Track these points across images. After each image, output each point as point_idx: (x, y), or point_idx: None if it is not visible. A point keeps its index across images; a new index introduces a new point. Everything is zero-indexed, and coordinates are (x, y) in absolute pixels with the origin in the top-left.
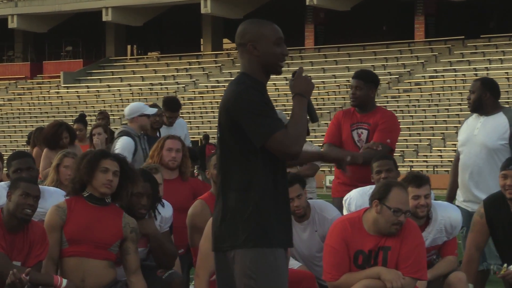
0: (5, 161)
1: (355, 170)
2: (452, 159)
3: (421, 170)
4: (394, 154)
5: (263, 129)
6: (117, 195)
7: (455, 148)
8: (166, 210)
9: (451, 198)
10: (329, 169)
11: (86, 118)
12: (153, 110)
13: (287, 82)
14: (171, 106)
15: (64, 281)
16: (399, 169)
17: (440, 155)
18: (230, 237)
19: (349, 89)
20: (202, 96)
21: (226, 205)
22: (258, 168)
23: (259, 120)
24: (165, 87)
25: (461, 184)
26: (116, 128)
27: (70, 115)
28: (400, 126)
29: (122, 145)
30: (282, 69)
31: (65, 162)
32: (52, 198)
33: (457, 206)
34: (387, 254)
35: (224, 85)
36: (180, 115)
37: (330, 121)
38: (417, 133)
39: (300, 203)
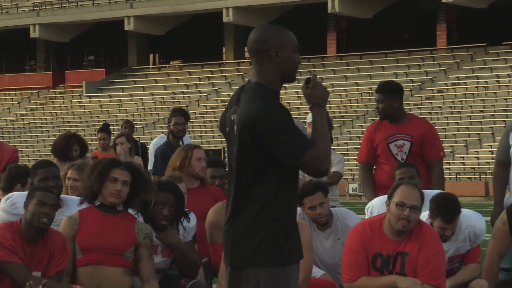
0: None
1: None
2: (475, 166)
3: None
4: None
5: (295, 148)
6: (129, 203)
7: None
8: (190, 221)
9: (501, 201)
10: (352, 177)
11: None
12: None
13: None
14: (185, 115)
15: None
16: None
17: (463, 162)
18: (246, 253)
19: (371, 97)
20: (224, 105)
21: (243, 220)
22: (278, 184)
23: (289, 139)
24: (188, 96)
25: None
26: (139, 138)
27: (92, 125)
28: None
29: None
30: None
31: (69, 174)
32: (75, 206)
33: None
34: (405, 259)
35: None
36: (203, 124)
37: (352, 128)
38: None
39: (322, 211)
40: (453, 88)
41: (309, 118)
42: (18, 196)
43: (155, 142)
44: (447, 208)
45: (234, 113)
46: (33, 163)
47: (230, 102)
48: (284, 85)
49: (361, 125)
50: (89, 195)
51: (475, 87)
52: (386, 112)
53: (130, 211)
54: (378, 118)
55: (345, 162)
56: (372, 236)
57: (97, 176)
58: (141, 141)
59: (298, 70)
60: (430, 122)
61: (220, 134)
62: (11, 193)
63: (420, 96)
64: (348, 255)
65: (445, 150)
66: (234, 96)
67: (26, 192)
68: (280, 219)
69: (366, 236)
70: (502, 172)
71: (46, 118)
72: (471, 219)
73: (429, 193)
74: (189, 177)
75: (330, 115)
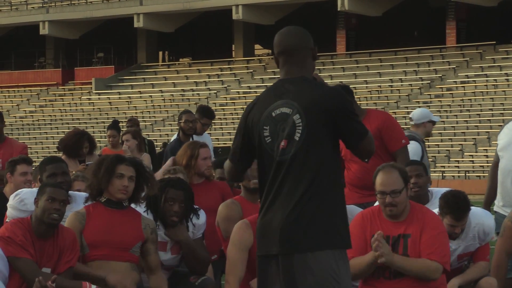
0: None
1: (364, 178)
2: (484, 164)
3: (453, 176)
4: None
5: (362, 129)
6: (133, 197)
7: (487, 154)
8: (199, 217)
9: (489, 203)
10: None
11: (119, 124)
12: (438, 118)
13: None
14: (209, 114)
15: (94, 287)
16: (430, 174)
17: (472, 161)
18: (315, 237)
19: (380, 95)
20: (233, 102)
21: (312, 205)
22: (338, 170)
23: (357, 119)
24: (197, 93)
25: (503, 189)
26: (148, 135)
27: (101, 122)
28: (432, 132)
29: (411, 150)
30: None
31: (75, 186)
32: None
33: (495, 211)
34: (408, 241)
35: (256, 91)
36: (212, 121)
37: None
38: (449, 139)
39: None
40: (462, 86)
41: None
42: (27, 193)
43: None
44: (457, 206)
45: (283, 106)
46: (42, 159)
47: (264, 101)
48: None
49: None
50: (95, 193)
51: (484, 85)
52: None
53: (139, 209)
54: None
55: None
56: (372, 220)
57: (104, 173)
58: (149, 138)
59: None
60: (440, 120)
61: (229, 131)
62: (19, 190)
63: (430, 94)
64: None
65: (454, 149)
66: (271, 94)
67: (34, 189)
68: (344, 204)
69: (366, 220)
70: (495, 172)
71: (55, 115)
72: (481, 217)
73: (437, 191)
74: (194, 175)
75: None
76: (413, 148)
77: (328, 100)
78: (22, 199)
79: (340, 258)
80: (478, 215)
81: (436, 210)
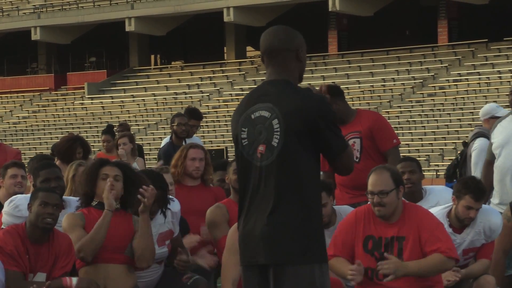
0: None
1: (355, 178)
2: None
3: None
4: (419, 158)
5: (341, 142)
6: (127, 202)
7: None
8: (174, 205)
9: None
10: None
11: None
12: (505, 112)
13: None
14: (196, 115)
15: (74, 279)
16: (424, 173)
17: None
18: (291, 251)
19: (373, 94)
20: (226, 105)
21: (285, 216)
22: (317, 179)
23: (338, 132)
24: (189, 96)
25: (501, 187)
26: (141, 139)
27: (95, 126)
28: (425, 131)
29: (479, 146)
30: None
31: (80, 171)
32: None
33: None
34: (402, 244)
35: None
36: (205, 124)
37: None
38: (442, 137)
39: (325, 212)
40: (455, 85)
41: None
42: (21, 199)
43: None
44: (476, 185)
45: (262, 109)
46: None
47: (246, 103)
48: None
49: None
50: (85, 199)
51: (477, 83)
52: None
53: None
54: None
55: None
56: (365, 219)
57: (88, 177)
58: (139, 143)
59: None
60: (433, 118)
61: (223, 134)
62: (14, 196)
63: (422, 93)
64: (334, 235)
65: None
66: (253, 96)
67: (29, 195)
68: (319, 217)
69: (359, 219)
70: (488, 170)
71: (48, 120)
72: (488, 214)
73: (431, 188)
74: (184, 176)
75: None
76: (481, 145)
77: (310, 108)
78: (17, 205)
79: (320, 271)
80: (485, 212)
81: (431, 208)
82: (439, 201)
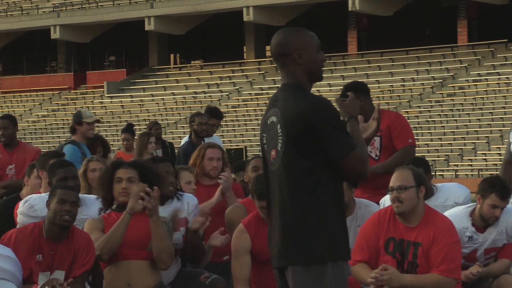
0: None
1: (374, 177)
2: (497, 162)
3: (466, 175)
4: (438, 158)
5: (345, 144)
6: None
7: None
8: (190, 197)
9: None
10: None
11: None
12: None
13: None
14: (217, 114)
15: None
16: (443, 173)
17: (485, 159)
18: (298, 252)
19: (392, 94)
20: (246, 104)
21: (288, 220)
22: (328, 183)
23: (341, 135)
24: (209, 96)
25: None
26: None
27: (114, 125)
28: (445, 131)
29: None
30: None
31: (91, 166)
32: (94, 205)
33: None
34: (418, 250)
35: (268, 93)
36: (224, 123)
37: None
38: (462, 137)
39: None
40: (474, 85)
41: None
42: (36, 199)
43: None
44: (502, 184)
45: (273, 115)
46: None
47: (267, 108)
48: None
49: None
50: (105, 203)
51: (497, 83)
52: None
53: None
54: None
55: None
56: (386, 221)
57: (102, 182)
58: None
59: None
60: (452, 118)
61: (242, 133)
62: (29, 196)
63: (442, 93)
64: (358, 238)
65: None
66: (271, 101)
67: (43, 195)
68: (326, 217)
69: (380, 222)
70: (507, 170)
71: (68, 119)
72: (510, 213)
73: (441, 185)
74: (202, 175)
75: None
76: None
77: (306, 112)
78: (32, 205)
79: (330, 270)
80: (508, 212)
81: (461, 208)
82: (449, 197)
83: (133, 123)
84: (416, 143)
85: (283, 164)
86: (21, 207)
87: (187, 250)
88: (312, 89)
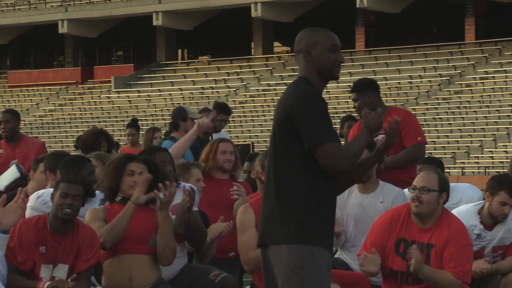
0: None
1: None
2: (504, 160)
3: (472, 172)
4: (445, 155)
5: (317, 135)
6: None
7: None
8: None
9: None
10: None
11: (138, 122)
12: None
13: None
14: (226, 110)
15: (47, 284)
16: (450, 170)
17: (492, 156)
18: (274, 232)
19: (400, 91)
20: (253, 100)
21: (274, 201)
22: (306, 168)
23: (315, 125)
24: (216, 91)
25: None
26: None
27: (121, 120)
28: (451, 128)
29: None
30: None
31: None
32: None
33: None
34: (431, 251)
35: (275, 89)
36: (232, 119)
37: None
38: (468, 135)
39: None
40: (481, 82)
41: None
42: (50, 194)
43: None
44: (511, 182)
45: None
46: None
47: None
48: None
49: None
50: (109, 194)
51: (504, 81)
52: (362, 109)
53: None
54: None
55: None
56: (399, 221)
57: (114, 172)
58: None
59: None
60: (459, 116)
61: (249, 129)
62: (42, 191)
63: (449, 91)
64: (369, 233)
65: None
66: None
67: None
68: (308, 202)
69: (393, 221)
70: None
71: (75, 114)
72: None
73: (454, 186)
74: (214, 169)
75: None
76: None
77: (287, 101)
78: (46, 201)
79: (302, 253)
80: None
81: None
82: (462, 199)
83: (140, 118)
84: None
85: (272, 148)
86: (33, 202)
87: (188, 233)
88: None
